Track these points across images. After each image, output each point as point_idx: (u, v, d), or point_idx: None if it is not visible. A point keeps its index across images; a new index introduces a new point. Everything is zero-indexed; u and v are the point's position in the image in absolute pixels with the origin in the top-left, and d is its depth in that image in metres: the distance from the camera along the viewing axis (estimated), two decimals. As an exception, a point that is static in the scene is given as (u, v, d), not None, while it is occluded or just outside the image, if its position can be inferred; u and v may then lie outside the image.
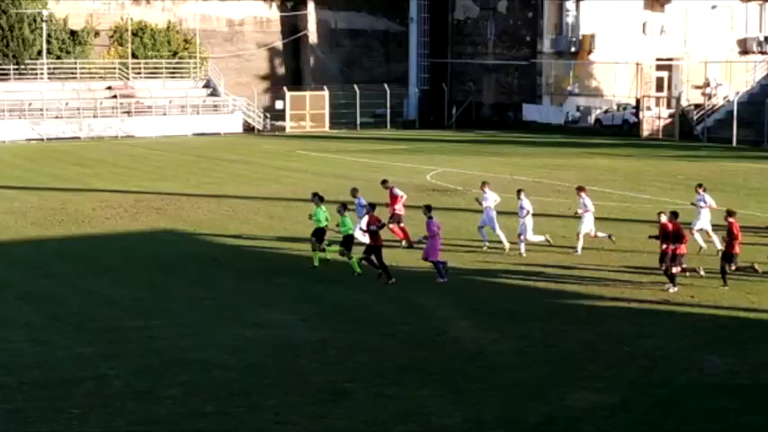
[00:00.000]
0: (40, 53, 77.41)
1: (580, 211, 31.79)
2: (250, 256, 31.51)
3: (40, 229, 35.97)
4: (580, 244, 31.51)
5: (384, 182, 34.00)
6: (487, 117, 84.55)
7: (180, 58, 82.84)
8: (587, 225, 31.67)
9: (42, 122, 71.76)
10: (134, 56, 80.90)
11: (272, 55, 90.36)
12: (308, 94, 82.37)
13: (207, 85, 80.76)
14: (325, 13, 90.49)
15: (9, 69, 75.56)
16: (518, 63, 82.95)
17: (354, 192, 32.35)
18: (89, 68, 79.62)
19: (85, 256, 31.46)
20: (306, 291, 27.23)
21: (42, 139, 70.33)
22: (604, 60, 79.31)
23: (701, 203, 31.64)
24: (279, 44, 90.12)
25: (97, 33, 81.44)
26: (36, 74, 77.12)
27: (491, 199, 32.46)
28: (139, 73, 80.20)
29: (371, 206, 29.22)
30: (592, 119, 79.23)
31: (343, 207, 29.06)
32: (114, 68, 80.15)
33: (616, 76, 79.10)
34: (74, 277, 28.81)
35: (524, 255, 31.05)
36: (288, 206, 31.03)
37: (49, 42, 78.12)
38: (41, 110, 73.02)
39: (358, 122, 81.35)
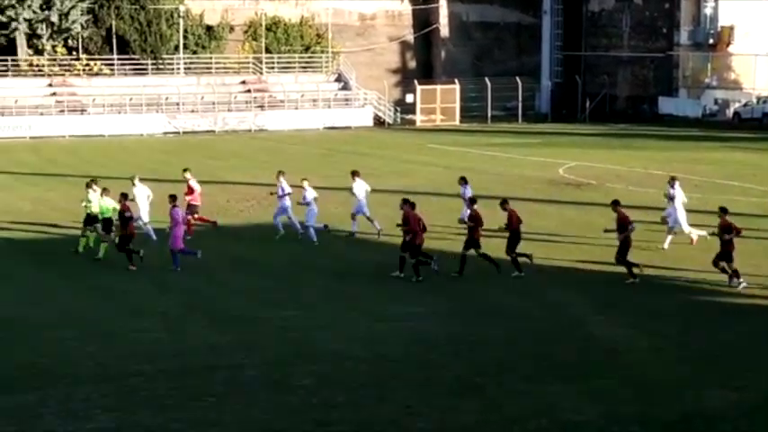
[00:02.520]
0: (176, 48, 78.87)
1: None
2: (379, 249, 31.51)
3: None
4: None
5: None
6: (622, 110, 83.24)
7: (312, 52, 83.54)
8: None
9: (178, 116, 73.09)
10: (267, 50, 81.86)
11: (404, 49, 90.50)
12: (438, 87, 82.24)
13: (338, 79, 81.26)
14: (456, 6, 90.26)
15: (147, 64, 77.19)
16: (654, 55, 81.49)
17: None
18: (224, 63, 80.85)
19: (219, 248, 31.88)
20: (435, 284, 27.14)
21: (178, 133, 71.63)
22: (744, 52, 77.38)
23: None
24: (410, 38, 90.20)
25: (232, 28, 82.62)
26: (173, 69, 78.60)
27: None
28: (272, 67, 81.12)
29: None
30: (730, 112, 77.36)
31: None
32: (248, 63, 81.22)
33: (756, 69, 77.12)
34: (207, 268, 29.23)
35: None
36: (417, 200, 30.99)
37: (185, 38, 79.56)
38: (178, 104, 74.39)
39: (489, 116, 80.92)
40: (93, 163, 54.08)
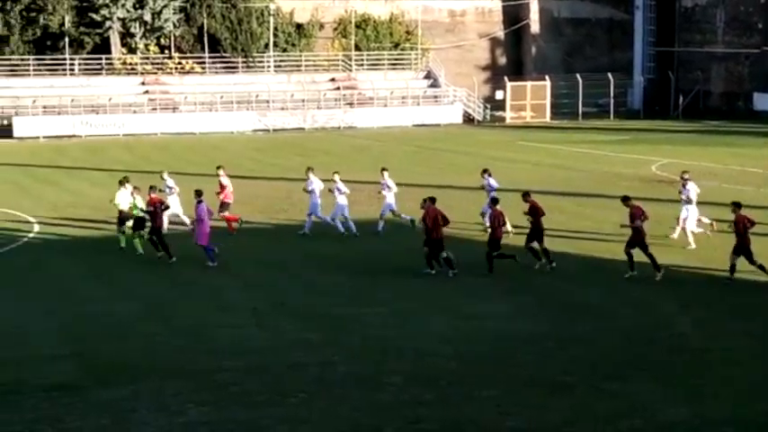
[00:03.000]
0: (267, 46, 79.46)
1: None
2: (466, 246, 31.35)
3: (265, 216, 36.86)
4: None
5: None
6: (716, 106, 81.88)
7: (402, 49, 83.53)
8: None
9: (269, 114, 73.61)
10: (357, 48, 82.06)
11: (494, 45, 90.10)
12: (528, 84, 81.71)
13: (428, 76, 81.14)
14: (547, 2, 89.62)
15: (237, 62, 77.86)
16: (749, 51, 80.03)
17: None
18: (313, 61, 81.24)
19: (305, 245, 32.00)
20: (518, 281, 26.96)
21: (268, 130, 72.13)
22: (841, 47, 75.66)
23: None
24: (500, 34, 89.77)
25: (322, 26, 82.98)
26: (263, 66, 79.18)
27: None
28: (362, 65, 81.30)
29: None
30: (828, 108, 75.69)
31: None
32: (338, 60, 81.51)
33: None
34: (293, 264, 29.32)
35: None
36: (506, 197, 30.79)
37: (275, 36, 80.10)
38: (268, 101, 74.91)
39: (580, 112, 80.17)
40: (185, 160, 54.69)
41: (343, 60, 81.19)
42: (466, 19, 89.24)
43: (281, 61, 79.74)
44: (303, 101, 75.43)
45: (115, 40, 75.84)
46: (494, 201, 29.18)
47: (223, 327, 22.99)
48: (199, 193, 29.37)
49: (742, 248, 26.00)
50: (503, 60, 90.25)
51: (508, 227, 29.97)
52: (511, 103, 79.93)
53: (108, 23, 74.70)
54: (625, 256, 26.88)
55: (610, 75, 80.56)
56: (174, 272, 28.44)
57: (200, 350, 21.18)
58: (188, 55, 77.41)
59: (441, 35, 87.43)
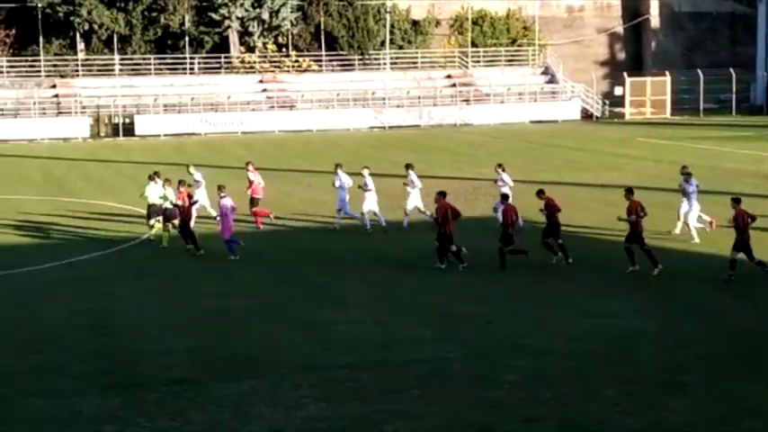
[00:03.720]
0: (383, 43, 79.66)
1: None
2: (583, 243, 30.97)
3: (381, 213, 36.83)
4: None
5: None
6: (843, 102, 79.62)
7: (519, 45, 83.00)
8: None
9: (384, 111, 73.77)
10: (473, 44, 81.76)
11: (612, 40, 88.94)
12: (648, 79, 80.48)
13: (545, 72, 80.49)
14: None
15: (354, 60, 78.21)
16: None
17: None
18: (430, 58, 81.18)
19: (415, 242, 31.86)
20: (640, 280, 26.48)
21: (384, 127, 72.30)
22: None
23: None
24: (619, 29, 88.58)
25: (438, 23, 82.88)
26: (379, 64, 79.40)
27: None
28: (478, 61, 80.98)
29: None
30: None
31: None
32: (454, 57, 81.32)
33: None
34: (405, 260, 29.23)
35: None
36: (617, 192, 30.69)
37: (391, 33, 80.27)
38: (384, 99, 75.09)
39: (701, 108, 78.68)
40: (301, 157, 55.13)
41: (459, 57, 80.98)
42: (584, 14, 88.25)
43: (396, 58, 79.86)
44: (419, 98, 75.43)
45: (234, 39, 76.81)
46: (504, 197, 29.58)
47: (337, 323, 23.05)
48: (222, 188, 30.25)
49: (742, 244, 25.71)
50: (622, 56, 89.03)
51: (520, 222, 30.03)
52: (630, 98, 78.84)
53: (227, 23, 75.70)
54: (642, 252, 26.95)
55: (732, 70, 78.87)
56: (284, 269, 28.60)
57: (316, 346, 21.27)
58: (305, 53, 78.03)
59: (558, 31, 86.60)
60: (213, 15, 75.64)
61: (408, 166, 34.58)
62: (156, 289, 26.75)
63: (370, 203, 33.68)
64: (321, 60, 77.78)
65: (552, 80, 79.52)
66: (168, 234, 31.74)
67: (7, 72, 72.70)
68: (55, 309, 24.70)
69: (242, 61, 76.65)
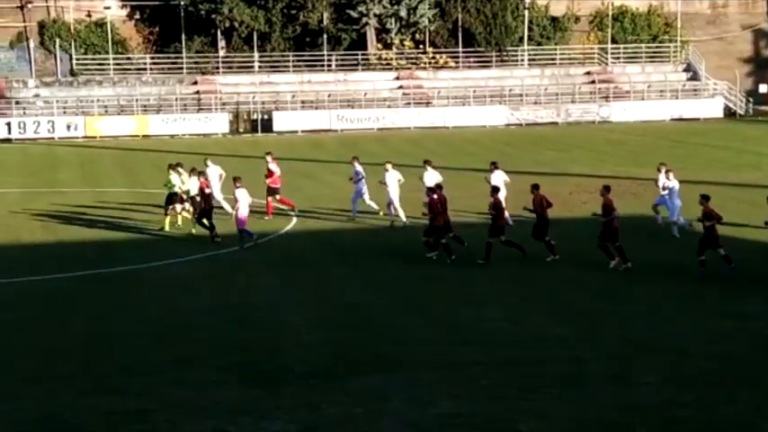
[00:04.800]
0: (521, 40, 79.15)
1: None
2: (742, 244, 30.11)
3: (516, 211, 36.48)
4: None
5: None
6: None
7: (660, 42, 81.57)
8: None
9: (521, 108, 73.29)
10: (613, 40, 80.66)
11: (757, 37, 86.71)
12: (794, 76, 78.28)
13: (687, 69, 78.92)
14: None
15: (491, 56, 77.90)
16: None
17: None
18: (568, 54, 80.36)
19: (557, 239, 31.49)
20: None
21: (521, 124, 71.83)
22: None
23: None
24: (765, 25, 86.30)
25: (577, 19, 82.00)
26: (516, 60, 78.92)
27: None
28: (618, 58, 79.85)
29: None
30: None
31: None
32: (593, 54, 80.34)
33: None
34: (540, 258, 28.89)
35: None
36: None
37: (530, 29, 79.70)
38: (521, 95, 74.59)
39: None
40: (436, 154, 55.03)
41: (598, 53, 79.97)
42: (728, 10, 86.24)
43: (534, 55, 79.27)
44: (557, 95, 74.75)
45: (371, 36, 77.21)
46: (495, 189, 29.58)
47: (472, 320, 22.94)
48: (237, 180, 31.34)
49: (709, 240, 26.02)
50: (767, 52, 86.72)
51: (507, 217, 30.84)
52: (775, 96, 76.76)
53: (365, 20, 76.13)
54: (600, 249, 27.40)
55: None
56: (420, 265, 28.54)
57: (451, 343, 21.22)
58: (442, 50, 77.98)
59: (701, 27, 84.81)
60: (351, 13, 76.14)
61: (426, 162, 35.20)
62: (292, 283, 27.02)
63: (393, 196, 34.20)
64: (458, 57, 77.63)
65: (694, 77, 77.92)
66: (173, 220, 33.69)
67: (150, 69, 74.36)
68: (196, 301, 25.15)
69: (379, 58, 77.01)
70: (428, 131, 68.36)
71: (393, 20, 76.81)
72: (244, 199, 31.02)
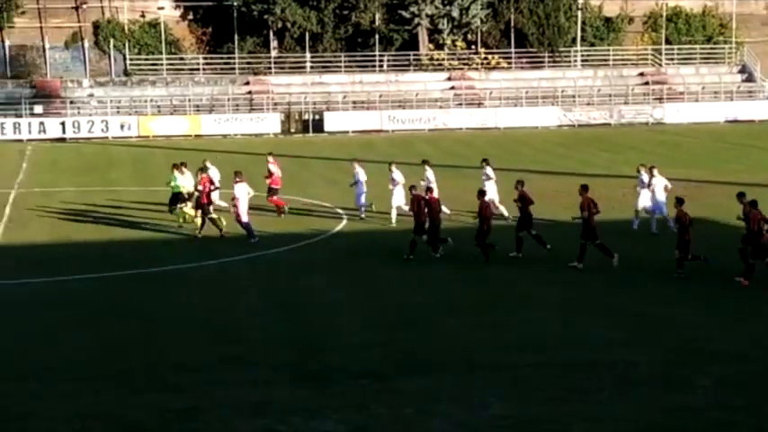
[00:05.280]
0: (574, 40, 78.73)
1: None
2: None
3: (571, 213, 36.23)
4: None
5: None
6: None
7: (714, 43, 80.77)
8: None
9: (574, 109, 72.87)
10: (667, 41, 79.99)
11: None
12: None
13: (742, 71, 78.07)
14: None
15: (544, 57, 77.54)
16: None
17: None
18: (622, 55, 79.79)
19: (615, 246, 31.24)
20: None
21: (573, 126, 71.42)
22: None
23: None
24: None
25: (631, 20, 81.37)
26: (569, 61, 78.51)
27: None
28: (672, 59, 79.17)
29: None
30: None
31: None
32: (647, 55, 79.73)
33: None
34: (595, 261, 28.67)
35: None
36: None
37: (583, 30, 79.22)
38: (573, 96, 74.18)
39: None
40: (488, 155, 54.71)
41: (652, 54, 79.35)
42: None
43: (588, 56, 78.80)
44: (610, 96, 74.23)
45: (423, 36, 77.10)
46: (481, 193, 30.01)
47: (525, 321, 22.82)
48: (238, 174, 32.61)
49: (682, 243, 26.38)
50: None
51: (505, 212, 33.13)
52: (834, 97, 75.71)
53: (416, 20, 76.03)
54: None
55: None
56: (465, 267, 28.40)
57: (502, 344, 21.13)
58: (494, 50, 77.73)
59: (757, 28, 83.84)
60: (403, 13, 76.07)
61: (425, 162, 36.35)
62: (341, 283, 27.02)
63: (398, 199, 34.73)
64: (510, 57, 77.34)
65: (749, 79, 77.08)
66: (184, 215, 34.47)
67: (203, 69, 74.76)
68: (250, 299, 25.24)
69: (431, 59, 76.86)
70: (479, 132, 68.14)
71: (445, 20, 76.65)
72: (242, 193, 32.06)
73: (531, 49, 77.78)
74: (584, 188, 28.70)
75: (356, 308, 24.38)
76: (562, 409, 17.29)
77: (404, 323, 22.90)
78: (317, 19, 75.72)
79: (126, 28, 75.32)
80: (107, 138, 65.75)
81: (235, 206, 32.35)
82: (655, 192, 33.10)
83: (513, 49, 77.32)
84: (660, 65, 78.38)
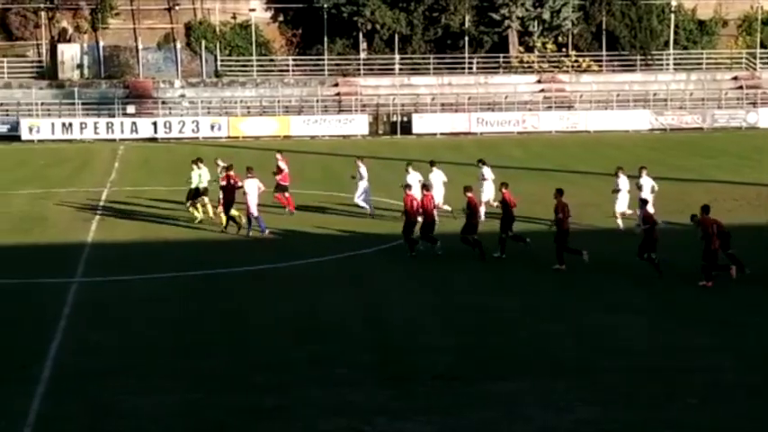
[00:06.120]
0: (666, 44, 77.74)
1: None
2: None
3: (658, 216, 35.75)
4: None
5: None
6: None
7: (811, 46, 79.18)
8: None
9: (665, 113, 71.95)
10: (762, 45, 78.59)
11: None
12: None
13: (840, 75, 76.45)
14: None
15: (635, 60, 76.70)
16: None
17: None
18: (715, 59, 78.60)
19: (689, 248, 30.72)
20: None
21: (665, 130, 70.52)
22: None
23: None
24: None
25: (725, 23, 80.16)
26: (661, 64, 77.54)
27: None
28: (767, 63, 77.77)
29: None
30: None
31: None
32: (741, 58, 78.43)
33: None
34: (684, 266, 28.22)
35: None
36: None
37: (675, 33, 78.21)
38: (665, 100, 73.27)
39: None
40: (577, 158, 54.48)
41: (746, 58, 78.03)
42: None
43: (680, 59, 77.77)
44: (702, 100, 73.21)
45: (513, 38, 76.76)
46: (466, 188, 30.69)
47: (610, 326, 22.57)
48: (249, 169, 34.27)
49: (649, 243, 26.83)
50: None
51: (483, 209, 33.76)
52: None
53: (507, 22, 75.72)
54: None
55: None
56: (549, 269, 28.10)
57: (588, 349, 20.93)
58: (585, 53, 77.08)
59: None
60: (493, 15, 75.81)
61: (431, 163, 37.50)
62: (426, 284, 26.98)
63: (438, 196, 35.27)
64: (601, 60, 76.64)
65: None
66: (198, 210, 35.52)
67: (293, 71, 75.28)
68: (332, 300, 25.29)
69: (521, 61, 76.48)
70: (569, 135, 67.61)
71: (536, 23, 76.25)
72: (253, 188, 33.23)
73: (622, 52, 77.02)
74: (559, 192, 29.00)
75: (441, 310, 24.32)
76: (649, 415, 17.09)
77: (488, 326, 22.80)
78: (407, 21, 75.78)
79: (217, 29, 76.13)
80: (197, 138, 66.51)
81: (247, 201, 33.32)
82: (641, 192, 32.86)
83: (604, 52, 76.63)
84: (755, 69, 77.07)
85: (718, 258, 26.14)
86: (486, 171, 36.48)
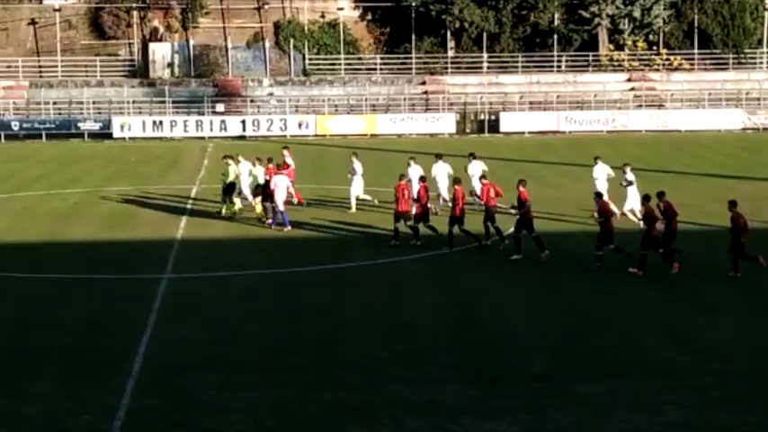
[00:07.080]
0: (759, 42, 76.40)
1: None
2: None
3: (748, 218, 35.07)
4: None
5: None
6: None
7: None
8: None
9: (758, 112, 70.67)
10: None
11: None
12: None
13: None
14: None
15: (728, 58, 75.47)
16: None
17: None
18: (810, 57, 77.08)
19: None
20: None
21: (758, 129, 69.27)
22: None
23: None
24: None
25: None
26: (754, 63, 76.21)
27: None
28: None
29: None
30: None
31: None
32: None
33: None
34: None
35: None
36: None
37: (769, 31, 76.85)
38: (758, 99, 71.98)
39: None
40: (667, 157, 53.71)
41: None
42: None
43: (774, 58, 76.39)
44: (797, 99, 71.81)
45: (603, 36, 76.00)
46: (455, 180, 31.76)
47: (706, 329, 22.19)
48: (279, 166, 35.69)
49: (648, 240, 27.27)
50: None
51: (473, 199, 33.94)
52: None
53: (597, 20, 75.00)
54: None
55: None
56: (650, 272, 27.67)
57: (681, 351, 20.62)
58: (676, 51, 76.03)
59: None
60: (583, 13, 75.13)
61: (437, 156, 38.64)
62: (517, 284, 26.77)
63: (442, 187, 36.46)
64: (693, 59, 75.54)
65: None
66: (234, 206, 36.41)
67: (380, 69, 75.34)
68: (422, 299, 25.22)
69: (610, 59, 75.68)
70: (660, 135, 66.72)
71: (626, 20, 75.40)
72: (282, 184, 34.26)
73: (714, 50, 75.83)
74: (522, 182, 30.01)
75: (533, 310, 24.11)
76: (744, 418, 16.78)
77: (581, 327, 22.54)
78: (495, 19, 75.43)
79: (306, 28, 76.49)
80: (285, 136, 66.83)
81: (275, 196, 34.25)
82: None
83: (695, 50, 75.53)
84: None
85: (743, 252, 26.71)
86: (476, 165, 37.39)
